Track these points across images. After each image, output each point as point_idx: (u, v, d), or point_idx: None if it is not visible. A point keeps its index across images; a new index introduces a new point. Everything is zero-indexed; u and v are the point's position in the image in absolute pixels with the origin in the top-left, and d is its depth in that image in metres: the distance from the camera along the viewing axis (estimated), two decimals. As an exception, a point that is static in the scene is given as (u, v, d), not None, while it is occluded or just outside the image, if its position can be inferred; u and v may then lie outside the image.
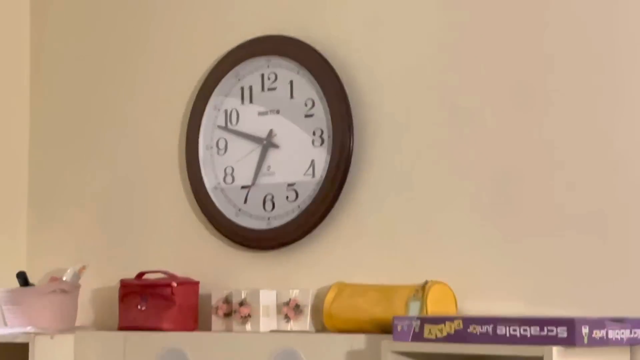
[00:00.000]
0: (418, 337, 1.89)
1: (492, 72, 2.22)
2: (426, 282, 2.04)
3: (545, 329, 1.72)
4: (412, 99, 2.32)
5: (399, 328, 1.90)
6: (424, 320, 1.88)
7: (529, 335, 1.73)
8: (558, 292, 2.08)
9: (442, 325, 1.85)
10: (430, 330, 1.87)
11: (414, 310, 2.04)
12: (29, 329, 2.78)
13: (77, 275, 2.84)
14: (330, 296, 2.32)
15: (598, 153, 2.05)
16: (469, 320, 1.81)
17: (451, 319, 1.86)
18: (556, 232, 2.08)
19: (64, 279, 2.83)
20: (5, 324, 2.96)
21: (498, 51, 2.22)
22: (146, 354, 2.70)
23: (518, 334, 1.75)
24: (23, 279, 2.85)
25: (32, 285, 2.88)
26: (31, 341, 2.73)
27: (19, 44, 3.06)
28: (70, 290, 2.83)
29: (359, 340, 2.15)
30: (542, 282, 2.10)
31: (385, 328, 2.09)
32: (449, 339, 1.86)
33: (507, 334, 1.77)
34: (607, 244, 2.03)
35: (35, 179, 3.02)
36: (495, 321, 1.77)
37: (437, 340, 1.87)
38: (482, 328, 1.80)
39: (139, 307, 2.68)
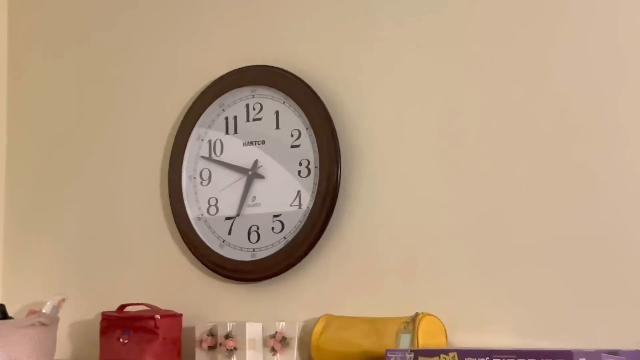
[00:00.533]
0: (412, 369, 1.85)
1: (486, 103, 2.23)
2: (417, 314, 2.02)
3: (543, 361, 1.67)
4: (401, 129, 2.31)
5: (392, 360, 1.87)
6: (418, 352, 1.85)
7: (525, 368, 1.69)
8: (549, 323, 2.07)
9: (437, 357, 1.82)
10: (424, 363, 1.84)
11: (404, 342, 2.02)
12: None
13: (57, 308, 2.76)
14: (318, 329, 2.29)
15: (584, 182, 2.05)
16: (464, 353, 1.79)
17: (446, 352, 1.84)
18: (546, 262, 2.08)
19: (43, 311, 2.77)
20: None
21: (492, 82, 2.22)
22: None
23: (514, 367, 1.71)
24: (1, 311, 2.75)
25: (10, 318, 2.82)
26: None
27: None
28: (50, 323, 2.75)
29: (346, 373, 2.10)
30: (532, 313, 2.09)
31: (375, 361, 2.06)
32: (444, 371, 1.82)
33: (503, 367, 1.74)
34: (600, 274, 2.03)
35: (11, 209, 2.97)
36: (491, 353, 1.75)
37: (431, 373, 1.83)
38: (477, 361, 1.77)
39: (120, 340, 2.62)
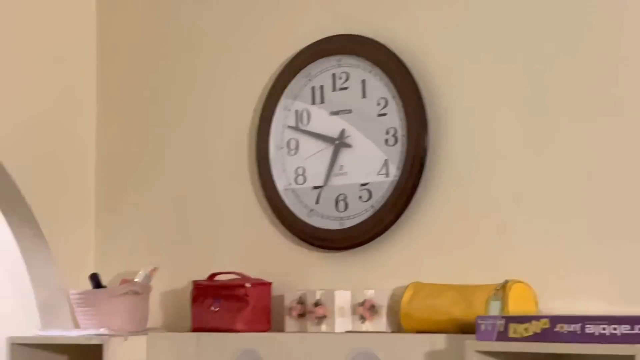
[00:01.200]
0: (503, 336, 1.89)
1: (573, 67, 2.18)
2: (506, 282, 2.03)
3: (636, 327, 1.69)
4: (487, 95, 2.31)
5: (482, 327, 1.91)
6: (509, 319, 1.88)
7: (619, 334, 1.72)
8: (641, 289, 2.06)
9: (528, 324, 1.84)
10: (515, 330, 1.87)
11: (494, 309, 2.04)
12: (102, 330, 2.84)
13: (149, 277, 2.89)
14: (407, 296, 2.33)
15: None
16: (556, 319, 1.80)
17: (537, 318, 1.85)
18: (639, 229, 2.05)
19: (136, 280, 2.89)
20: (79, 326, 3.04)
21: (579, 46, 2.18)
22: (219, 355, 2.73)
23: (607, 333, 1.74)
24: (95, 281, 2.91)
25: (104, 287, 2.94)
26: (105, 343, 2.79)
27: (86, 50, 3.10)
28: (142, 291, 2.89)
29: (439, 341, 2.16)
30: (624, 280, 2.07)
31: (464, 328, 2.09)
32: (535, 338, 1.85)
33: (596, 333, 1.76)
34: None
35: (104, 181, 3.06)
36: (583, 320, 1.76)
37: (522, 339, 1.87)
38: (570, 327, 1.78)
39: (211, 308, 2.70)
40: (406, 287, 2.35)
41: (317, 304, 2.47)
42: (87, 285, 2.97)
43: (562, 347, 1.86)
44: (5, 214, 3.06)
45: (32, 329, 3.33)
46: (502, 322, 1.89)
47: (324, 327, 2.50)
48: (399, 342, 2.41)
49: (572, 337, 1.80)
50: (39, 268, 3.21)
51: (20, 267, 3.36)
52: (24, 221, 3.03)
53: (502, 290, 2.05)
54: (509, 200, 2.26)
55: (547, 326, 1.85)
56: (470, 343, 1.97)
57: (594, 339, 1.76)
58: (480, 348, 1.96)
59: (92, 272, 2.97)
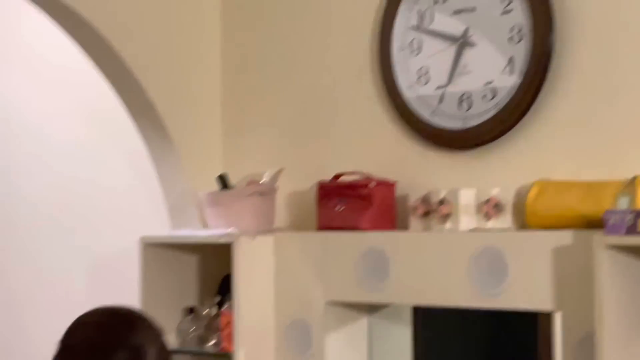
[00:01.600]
0: (632, 230, 1.90)
1: None
2: (635, 177, 2.04)
3: None
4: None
5: (611, 222, 1.92)
6: (639, 213, 1.89)
7: None
8: None
9: (658, 218, 1.84)
10: (645, 223, 1.86)
11: (623, 204, 2.05)
12: (231, 230, 2.97)
13: (275, 178, 2.98)
14: (532, 194, 2.35)
15: None
16: (689, 212, 1.78)
17: (667, 211, 1.84)
18: None
19: (262, 181, 2.99)
20: (207, 227, 3.18)
21: None
22: (345, 254, 2.82)
23: None
24: (223, 182, 3.01)
25: (232, 188, 3.05)
26: (234, 241, 2.91)
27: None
28: (269, 192, 2.99)
29: (566, 237, 2.19)
30: None
31: (591, 224, 2.12)
32: (665, 231, 1.83)
33: None
34: None
35: (230, 84, 3.13)
36: None
37: (653, 232, 1.85)
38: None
39: (336, 208, 2.78)
40: (531, 185, 2.38)
41: (441, 202, 2.52)
42: (215, 187, 3.08)
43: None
44: (135, 119, 3.17)
45: (163, 229, 3.50)
46: (632, 216, 1.91)
47: (448, 226, 2.55)
48: (524, 239, 2.45)
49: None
50: (167, 171, 3.35)
51: (149, 171, 3.51)
52: (153, 125, 3.15)
53: (631, 185, 2.06)
54: (636, 98, 2.25)
55: (676, 218, 1.83)
56: (599, 237, 1.99)
57: None
58: (610, 242, 1.97)
59: (219, 173, 3.06)
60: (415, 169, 2.76)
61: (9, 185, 4.35)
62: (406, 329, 3.23)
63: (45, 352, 3.62)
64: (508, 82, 2.39)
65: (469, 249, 2.51)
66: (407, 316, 3.20)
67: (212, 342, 2.92)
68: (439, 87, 2.54)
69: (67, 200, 4.48)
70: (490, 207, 2.51)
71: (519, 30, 2.36)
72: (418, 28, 2.57)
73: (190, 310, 3.15)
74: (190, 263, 3.36)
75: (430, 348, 3.42)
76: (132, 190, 4.10)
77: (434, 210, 2.60)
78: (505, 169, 2.57)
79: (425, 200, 2.59)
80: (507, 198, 2.51)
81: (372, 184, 2.70)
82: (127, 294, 3.57)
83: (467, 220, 2.57)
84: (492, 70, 2.44)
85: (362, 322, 3.06)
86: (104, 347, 1.76)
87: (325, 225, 2.86)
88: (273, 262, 3.02)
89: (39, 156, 4.44)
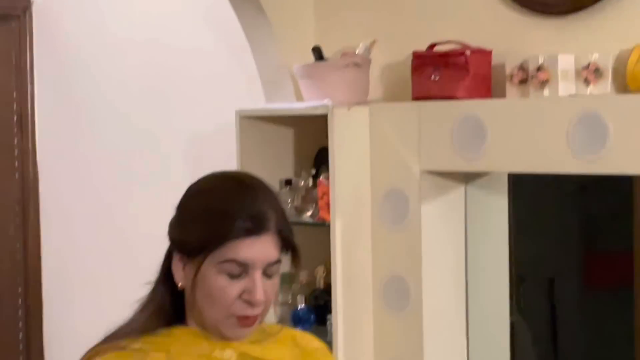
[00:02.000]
0: None
1: None
2: None
3: None
4: None
5: None
6: None
7: None
8: None
9: None
10: None
11: None
12: (326, 101, 3.01)
13: (369, 50, 3.00)
14: (633, 58, 2.34)
15: None
16: None
17: None
18: None
19: (356, 53, 3.01)
20: (302, 99, 3.23)
21: None
22: (441, 123, 2.85)
23: None
24: (318, 53, 3.04)
25: (326, 60, 3.08)
26: (329, 113, 2.96)
27: None
28: (363, 63, 3.01)
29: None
30: None
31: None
32: None
33: None
34: None
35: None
36: None
37: None
38: None
39: (432, 77, 2.78)
40: (632, 49, 2.36)
41: (539, 68, 2.52)
42: (309, 59, 3.11)
43: None
44: (229, -6, 3.16)
45: (258, 102, 3.58)
46: None
47: (546, 92, 2.56)
48: (625, 103, 2.46)
49: None
50: (261, 44, 3.38)
51: (243, 45, 3.55)
52: (246, -1, 3.16)
53: None
54: None
55: None
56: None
57: None
58: None
59: (313, 45, 3.09)
60: (512, 36, 2.75)
61: (100, 65, 4.44)
62: (503, 198, 3.28)
63: (149, 224, 3.71)
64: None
65: (568, 115, 2.51)
66: (504, 185, 3.25)
67: (309, 212, 2.99)
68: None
69: (162, 77, 4.53)
70: (589, 73, 2.49)
71: None
72: None
73: (287, 182, 3.23)
74: (286, 135, 3.42)
75: (526, 217, 3.55)
76: (227, 66, 4.17)
77: (532, 77, 2.59)
78: (605, 34, 2.55)
79: (522, 67, 2.58)
80: (607, 63, 2.49)
81: (468, 52, 2.71)
82: (224, 168, 3.70)
83: (565, 87, 2.56)
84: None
85: (459, 191, 3.10)
86: (225, 213, 1.73)
87: (421, 95, 2.87)
88: (368, 133, 3.04)
89: (131, 34, 4.47)
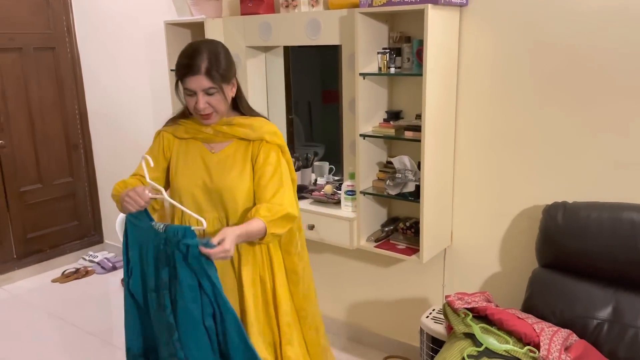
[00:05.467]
0: None
1: None
2: None
3: None
4: None
5: None
6: None
7: None
8: None
9: None
10: None
11: None
12: (202, 16, 3.49)
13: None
14: (330, -6, 2.75)
15: None
16: None
17: None
18: None
19: (211, -7, 3.61)
20: (193, 14, 3.61)
21: None
22: (252, 25, 3.44)
23: None
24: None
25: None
26: (205, 22, 3.45)
27: None
28: (216, -2, 3.61)
29: None
30: None
31: None
32: None
33: None
34: None
35: None
36: None
37: None
38: None
39: (249, 4, 3.39)
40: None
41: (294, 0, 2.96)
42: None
43: None
44: None
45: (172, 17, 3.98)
46: None
47: (296, 10, 3.11)
48: (328, 13, 3.02)
49: None
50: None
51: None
52: None
53: None
54: None
55: None
56: None
57: None
58: None
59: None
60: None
61: None
62: (281, 59, 3.92)
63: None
64: None
65: (305, 18, 3.18)
66: (281, 52, 3.86)
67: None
68: None
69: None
70: (313, 1, 3.03)
71: None
72: None
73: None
74: (187, 34, 3.91)
75: (294, 69, 3.95)
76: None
77: (290, 3, 3.14)
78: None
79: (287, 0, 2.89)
80: (320, -3, 2.95)
81: (263, -7, 3.40)
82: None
83: (304, 7, 3.17)
84: None
85: (262, 57, 3.79)
86: (180, 64, 2.08)
87: (245, 12, 3.42)
88: (223, 36, 3.62)
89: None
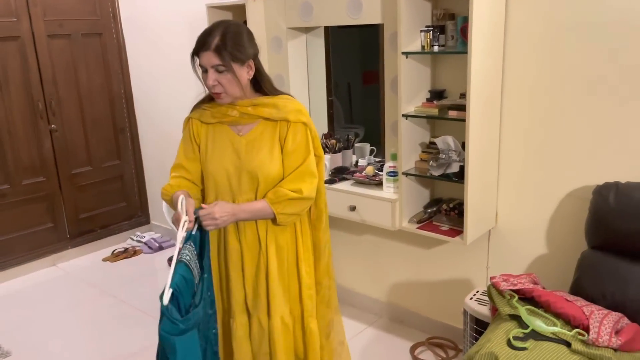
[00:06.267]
0: None
1: None
2: None
3: None
4: None
5: None
6: None
7: None
8: None
9: None
10: None
11: None
12: None
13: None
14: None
15: None
16: None
17: None
18: None
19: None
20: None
21: None
22: (293, 5, 3.40)
23: None
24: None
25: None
26: (246, 3, 3.41)
27: None
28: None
29: None
30: None
31: None
32: None
33: None
34: None
35: None
36: None
37: None
38: None
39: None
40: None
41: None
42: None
43: None
44: None
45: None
46: None
47: None
48: None
49: None
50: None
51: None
52: None
53: None
54: None
55: None
56: None
57: None
58: None
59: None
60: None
61: None
62: (322, 40, 3.84)
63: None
64: None
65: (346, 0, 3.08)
66: (322, 32, 3.77)
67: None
68: None
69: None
70: None
71: None
72: None
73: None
74: (228, 16, 3.83)
75: (333, 50, 3.88)
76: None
77: None
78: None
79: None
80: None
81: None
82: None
83: None
84: None
85: (303, 38, 3.71)
86: (197, 41, 2.09)
87: None
88: (264, 19, 3.53)
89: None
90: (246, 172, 2.12)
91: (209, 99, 2.20)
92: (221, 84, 2.03)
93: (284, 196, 2.09)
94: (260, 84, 2.15)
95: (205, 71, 2.03)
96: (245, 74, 2.07)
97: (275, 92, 2.18)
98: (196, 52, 2.01)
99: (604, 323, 2.18)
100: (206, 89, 2.10)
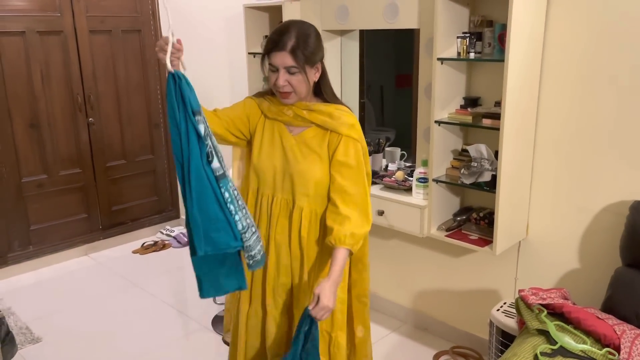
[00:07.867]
0: None
1: None
2: None
3: None
4: None
5: None
6: None
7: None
8: None
9: None
10: None
11: None
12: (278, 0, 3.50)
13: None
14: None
15: None
16: None
17: None
18: None
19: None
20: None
21: None
22: (331, 9, 3.32)
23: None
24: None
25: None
26: (283, 5, 3.43)
27: None
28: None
29: None
30: None
31: None
32: None
33: None
34: None
35: None
36: None
37: None
38: None
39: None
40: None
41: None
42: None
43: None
44: None
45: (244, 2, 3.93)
46: None
47: None
48: None
49: None
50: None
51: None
52: None
53: None
54: None
55: None
56: None
57: None
58: None
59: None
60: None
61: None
62: (356, 42, 3.76)
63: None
64: None
65: (383, 3, 3.03)
66: (357, 35, 3.72)
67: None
68: None
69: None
70: None
71: None
72: None
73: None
74: (264, 17, 3.82)
75: (367, 53, 3.82)
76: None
77: None
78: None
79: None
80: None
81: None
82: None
83: None
84: None
85: (337, 40, 3.70)
86: (269, 40, 2.03)
87: None
88: (300, 14, 3.47)
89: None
90: (288, 173, 2.09)
91: (270, 94, 2.17)
92: (291, 84, 1.99)
93: (359, 237, 2.05)
94: (321, 88, 2.11)
95: (274, 70, 1.98)
96: (313, 76, 2.04)
97: (334, 99, 2.14)
98: (269, 50, 1.96)
99: (635, 343, 2.11)
100: (272, 86, 2.04)
